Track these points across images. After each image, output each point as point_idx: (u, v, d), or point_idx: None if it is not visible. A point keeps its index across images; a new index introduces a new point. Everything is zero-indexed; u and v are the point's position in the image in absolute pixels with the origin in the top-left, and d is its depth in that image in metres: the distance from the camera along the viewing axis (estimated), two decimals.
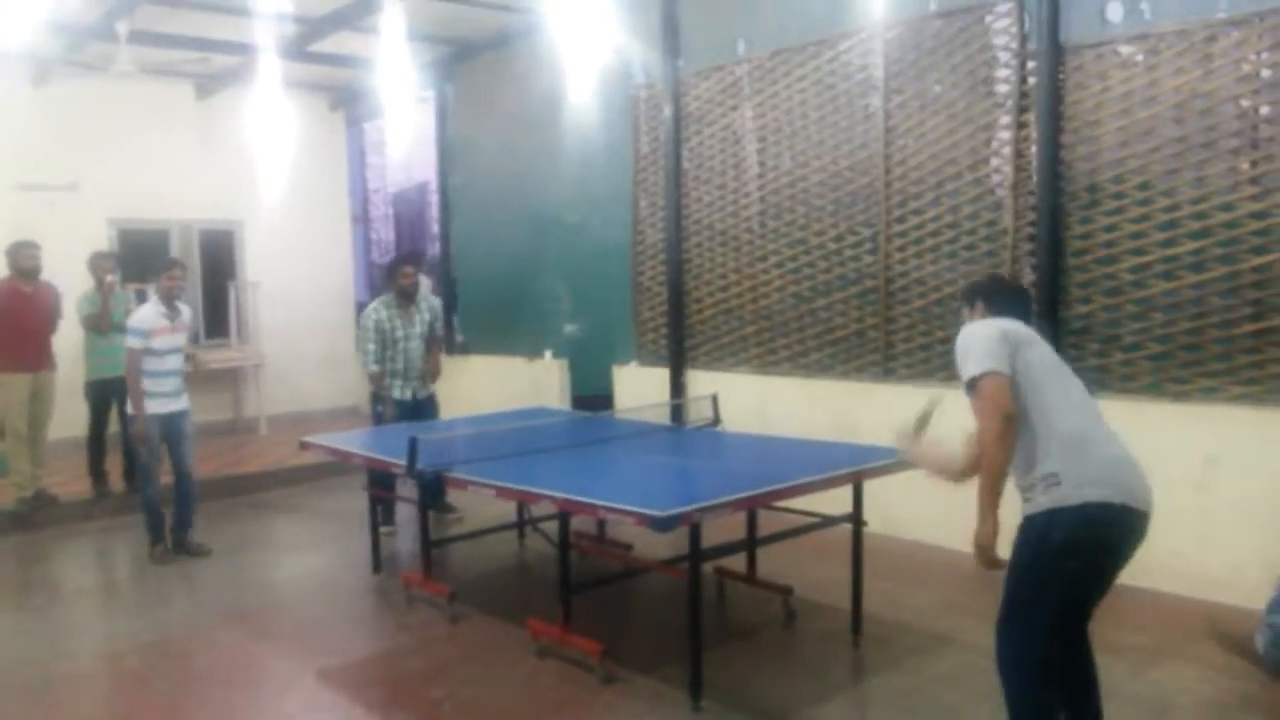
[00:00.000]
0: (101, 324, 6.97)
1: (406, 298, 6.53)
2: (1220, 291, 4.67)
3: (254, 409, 10.32)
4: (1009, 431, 2.75)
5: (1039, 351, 2.92)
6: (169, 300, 5.91)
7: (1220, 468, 4.65)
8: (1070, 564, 2.74)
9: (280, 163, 10.49)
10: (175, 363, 5.96)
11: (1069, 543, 2.72)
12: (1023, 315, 3.11)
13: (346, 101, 11.21)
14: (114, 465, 7.38)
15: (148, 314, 5.87)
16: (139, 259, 9.17)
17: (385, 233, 12.06)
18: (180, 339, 6.00)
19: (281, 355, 10.52)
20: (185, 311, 6.09)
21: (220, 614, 5.10)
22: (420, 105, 10.14)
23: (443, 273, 10.07)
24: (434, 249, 10.83)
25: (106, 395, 7.10)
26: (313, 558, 6.10)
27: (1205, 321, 4.73)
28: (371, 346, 6.41)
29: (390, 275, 6.69)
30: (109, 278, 7.05)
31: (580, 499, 3.76)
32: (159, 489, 5.99)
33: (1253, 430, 4.57)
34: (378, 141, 11.82)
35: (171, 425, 5.95)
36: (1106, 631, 3.77)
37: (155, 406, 5.85)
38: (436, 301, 7.05)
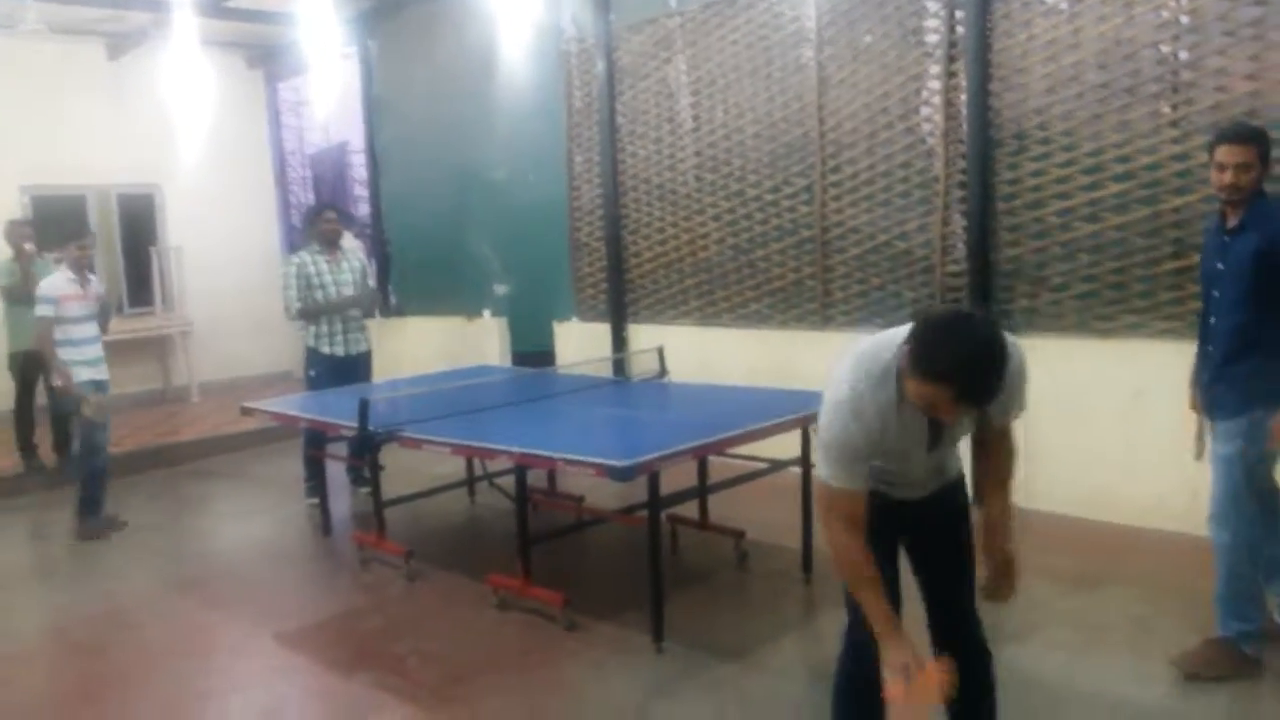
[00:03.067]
0: (20, 294, 6.72)
1: (330, 245, 6.30)
2: (1143, 232, 4.88)
3: (184, 377, 10.09)
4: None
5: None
6: (79, 269, 5.76)
7: (1146, 400, 4.89)
8: None
9: (198, 123, 10.17)
10: (92, 330, 5.80)
11: None
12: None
13: (265, 59, 10.87)
14: (43, 438, 7.16)
15: (56, 281, 5.72)
16: (55, 226, 8.80)
17: (304, 195, 11.77)
18: (92, 307, 5.82)
19: (209, 321, 10.26)
20: (95, 281, 5.93)
21: (168, 584, 5.04)
22: (342, 62, 9.89)
23: (375, 233, 9.90)
24: (360, 210, 10.63)
25: (32, 367, 6.87)
26: (259, 524, 6.04)
27: (1129, 261, 4.94)
28: (292, 292, 6.15)
29: (311, 222, 6.45)
30: (27, 246, 6.79)
31: (539, 452, 3.80)
32: (106, 459, 5.84)
33: (1176, 363, 4.79)
34: (293, 101, 11.46)
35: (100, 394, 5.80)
36: (1036, 556, 3.98)
37: (87, 374, 5.71)
38: (363, 254, 6.83)
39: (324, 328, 6.26)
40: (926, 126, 5.67)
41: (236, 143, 10.64)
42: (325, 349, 6.27)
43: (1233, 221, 3.33)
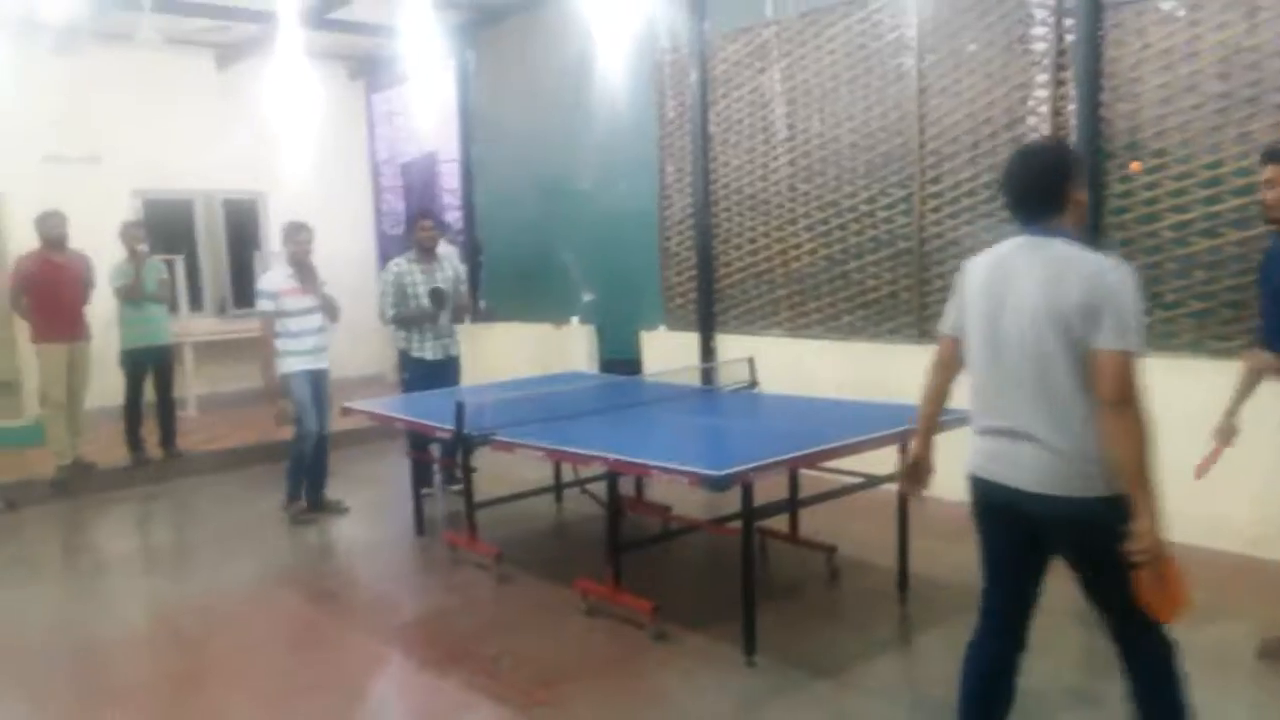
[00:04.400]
0: (134, 293, 7.02)
1: (426, 252, 6.44)
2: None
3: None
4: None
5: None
6: (298, 264, 6.01)
7: (1264, 421, 4.66)
8: None
9: (301, 132, 10.49)
10: (312, 322, 6.05)
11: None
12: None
13: (366, 70, 11.17)
14: (150, 433, 7.46)
15: (275, 276, 6.04)
16: (165, 229, 9.23)
17: (395, 203, 12.03)
18: (313, 300, 6.05)
19: None
20: (318, 274, 6.14)
21: (268, 578, 5.18)
22: (439, 73, 10.11)
23: (467, 240, 10.07)
24: (450, 218, 10.83)
25: (142, 363, 7.18)
26: (355, 522, 6.17)
27: (1248, 279, 4.72)
28: (388, 298, 6.35)
29: (409, 230, 6.67)
30: (140, 247, 7.09)
31: (632, 459, 3.80)
32: (308, 444, 6.09)
33: None
34: (386, 112, 11.74)
35: (315, 384, 6.06)
36: None
37: (300, 364, 5.98)
38: (458, 261, 6.92)
39: (415, 333, 6.40)
40: (1032, 137, 5.52)
41: (337, 152, 10.95)
42: (416, 353, 6.43)
43: None
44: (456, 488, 6.50)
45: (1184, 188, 4.89)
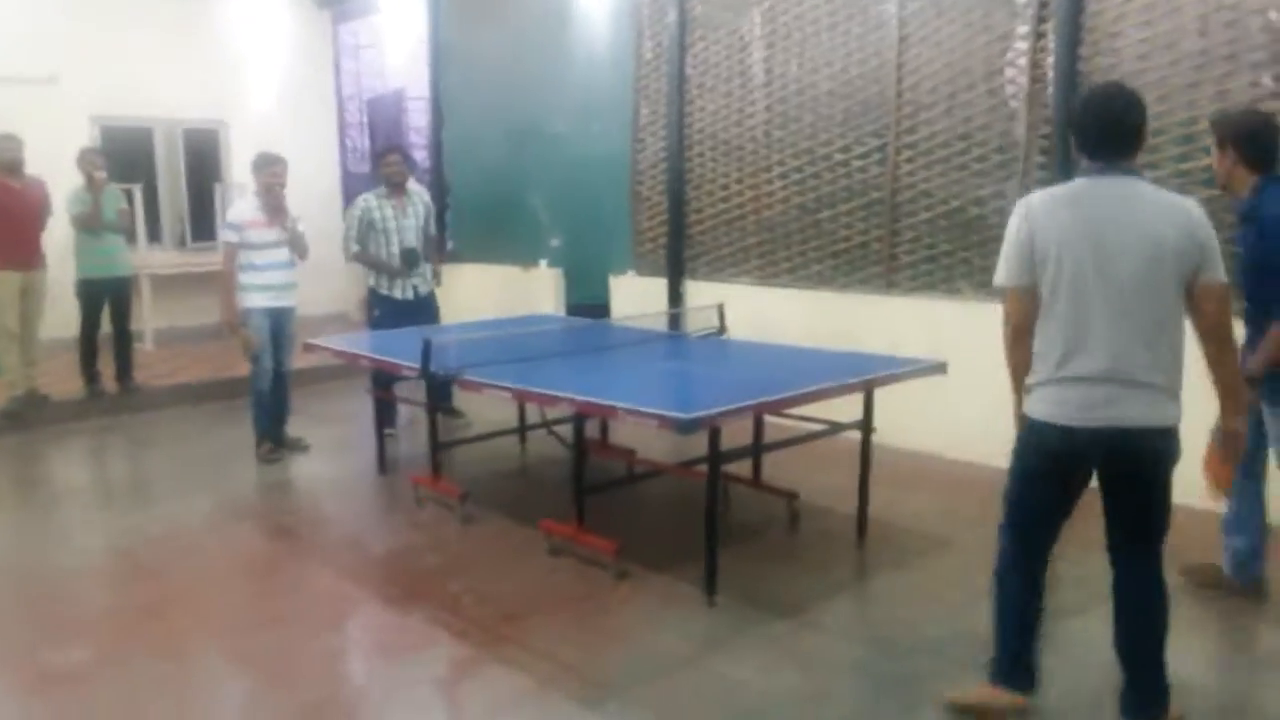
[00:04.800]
0: (92, 221, 6.83)
1: (395, 188, 6.31)
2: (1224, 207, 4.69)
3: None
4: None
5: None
6: (269, 197, 5.82)
7: None
8: None
9: (266, 62, 10.21)
10: (277, 256, 5.88)
11: None
12: None
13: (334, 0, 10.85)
14: (106, 365, 7.32)
15: (242, 208, 5.87)
16: (123, 158, 8.97)
17: (360, 140, 11.78)
18: (278, 233, 5.88)
19: None
20: (288, 209, 5.94)
21: (228, 513, 5.13)
22: (410, 5, 9.84)
23: (435, 179, 9.90)
24: (418, 156, 10.61)
25: (99, 294, 7.02)
26: (317, 460, 6.11)
27: (1220, 236, 4.75)
28: (352, 233, 6.26)
29: (376, 165, 6.53)
30: (98, 174, 6.88)
31: (600, 401, 3.78)
32: (265, 382, 5.97)
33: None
34: (352, 45, 11.44)
35: (276, 322, 5.94)
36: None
37: (262, 300, 5.83)
38: (428, 197, 6.75)
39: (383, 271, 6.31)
40: (1010, 89, 5.50)
41: (302, 83, 10.68)
42: (384, 290, 6.34)
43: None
44: (461, 420, 6.54)
45: (1157, 144, 4.89)
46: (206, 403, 7.60)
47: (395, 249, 6.29)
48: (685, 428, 3.40)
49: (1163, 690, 2.80)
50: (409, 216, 6.34)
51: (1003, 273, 2.75)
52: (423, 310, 6.42)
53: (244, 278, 5.82)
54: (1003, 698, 2.94)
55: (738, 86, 6.87)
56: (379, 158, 6.49)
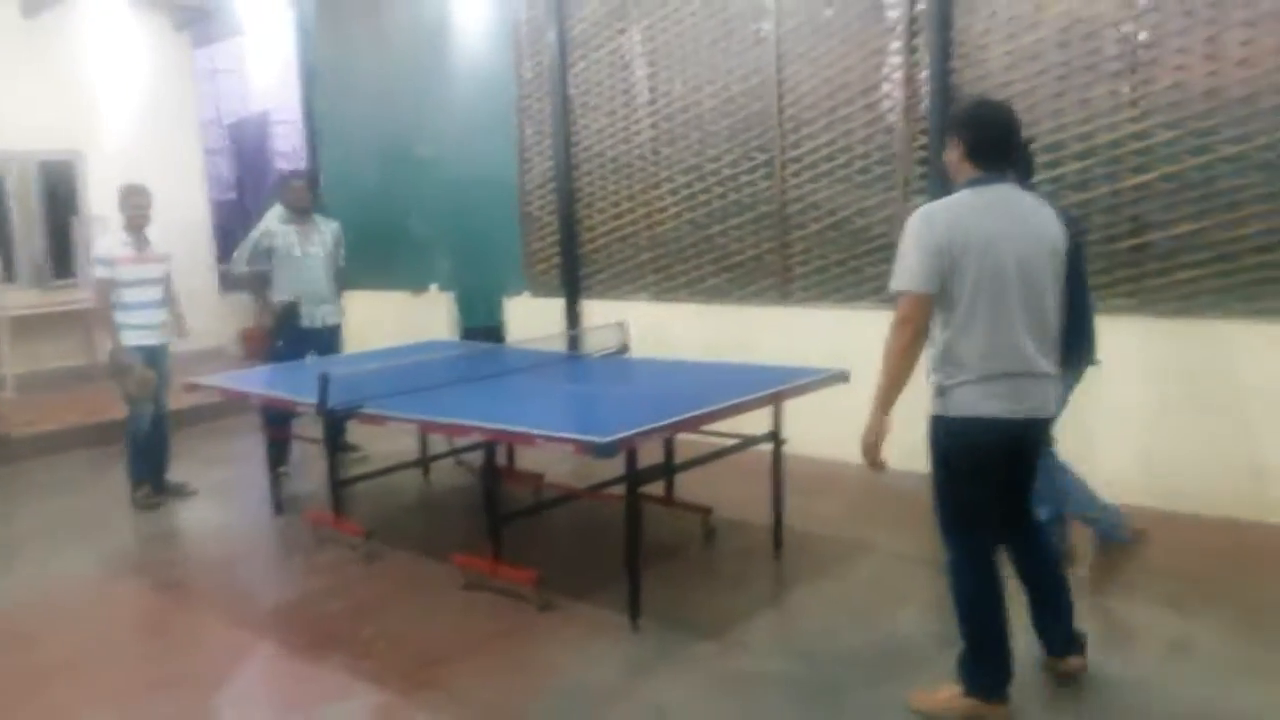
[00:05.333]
0: None
1: (300, 213, 6.11)
2: (1102, 209, 4.96)
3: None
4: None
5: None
6: (134, 230, 5.52)
7: (1098, 376, 4.98)
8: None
9: (123, 89, 9.70)
10: (149, 294, 5.58)
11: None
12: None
13: (192, 21, 10.38)
14: None
15: (110, 242, 5.55)
16: None
17: (223, 166, 11.33)
18: (153, 269, 5.60)
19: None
20: (154, 243, 5.65)
21: (110, 569, 4.80)
22: (275, 26, 9.51)
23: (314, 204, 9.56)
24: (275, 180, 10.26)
25: None
26: (207, 504, 5.79)
27: (1087, 238, 5.01)
28: (244, 254, 6.05)
29: (280, 189, 6.28)
30: None
31: (514, 429, 3.69)
32: (143, 424, 5.63)
33: (1129, 338, 4.91)
34: (210, 69, 11.00)
35: (151, 360, 5.60)
36: None
37: (135, 339, 5.51)
38: (337, 226, 6.48)
39: (287, 293, 6.09)
40: (887, 103, 5.67)
41: (162, 109, 10.17)
42: (302, 322, 6.14)
43: None
44: (357, 454, 6.29)
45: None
46: (77, 450, 7.12)
47: (300, 278, 6.07)
48: (604, 451, 3.35)
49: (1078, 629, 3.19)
50: (315, 245, 6.13)
51: (908, 278, 2.79)
52: (326, 340, 6.21)
53: (115, 316, 5.51)
54: (991, 710, 2.96)
55: (622, 105, 6.88)
56: (283, 183, 6.25)
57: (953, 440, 2.88)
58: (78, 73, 9.26)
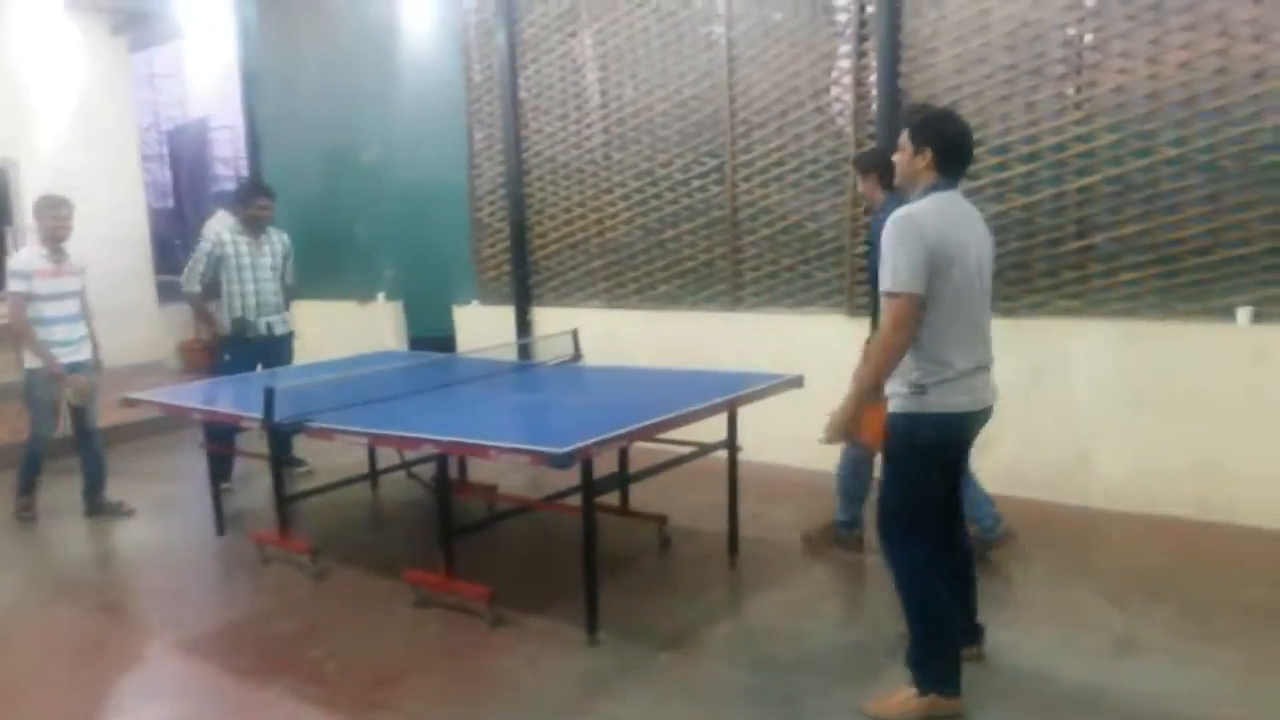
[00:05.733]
0: None
1: (256, 228, 6.00)
2: (1047, 212, 5.01)
3: None
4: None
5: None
6: (51, 242, 5.35)
7: (1046, 376, 5.04)
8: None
9: (57, 94, 9.39)
10: (66, 308, 5.44)
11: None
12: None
13: (129, 25, 10.10)
14: None
15: (27, 255, 5.40)
16: None
17: (160, 173, 11.08)
18: (70, 283, 5.45)
19: None
20: (73, 256, 5.51)
21: (47, 589, 4.62)
22: (213, 30, 9.29)
23: None
24: (222, 187, 10.06)
25: None
26: (145, 523, 5.60)
27: (1033, 241, 5.07)
28: (199, 269, 5.88)
29: (242, 202, 6.09)
30: None
31: (467, 440, 3.61)
32: (43, 447, 5.54)
33: (1075, 340, 4.97)
34: (147, 74, 10.74)
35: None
36: None
37: (58, 355, 5.38)
38: (287, 238, 6.33)
39: (238, 305, 5.94)
40: (837, 106, 5.69)
41: (97, 115, 9.86)
42: (248, 333, 6.00)
43: None
44: (303, 469, 6.16)
45: (975, 155, 5.15)
46: (3, 471, 6.84)
47: (250, 289, 5.95)
48: (560, 462, 3.28)
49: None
50: (265, 254, 6.01)
51: (906, 279, 2.80)
52: (276, 351, 6.07)
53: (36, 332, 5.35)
54: (947, 705, 3.01)
55: (573, 109, 6.82)
56: (249, 198, 6.07)
57: (927, 436, 2.93)
58: (10, 77, 8.95)
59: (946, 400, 2.90)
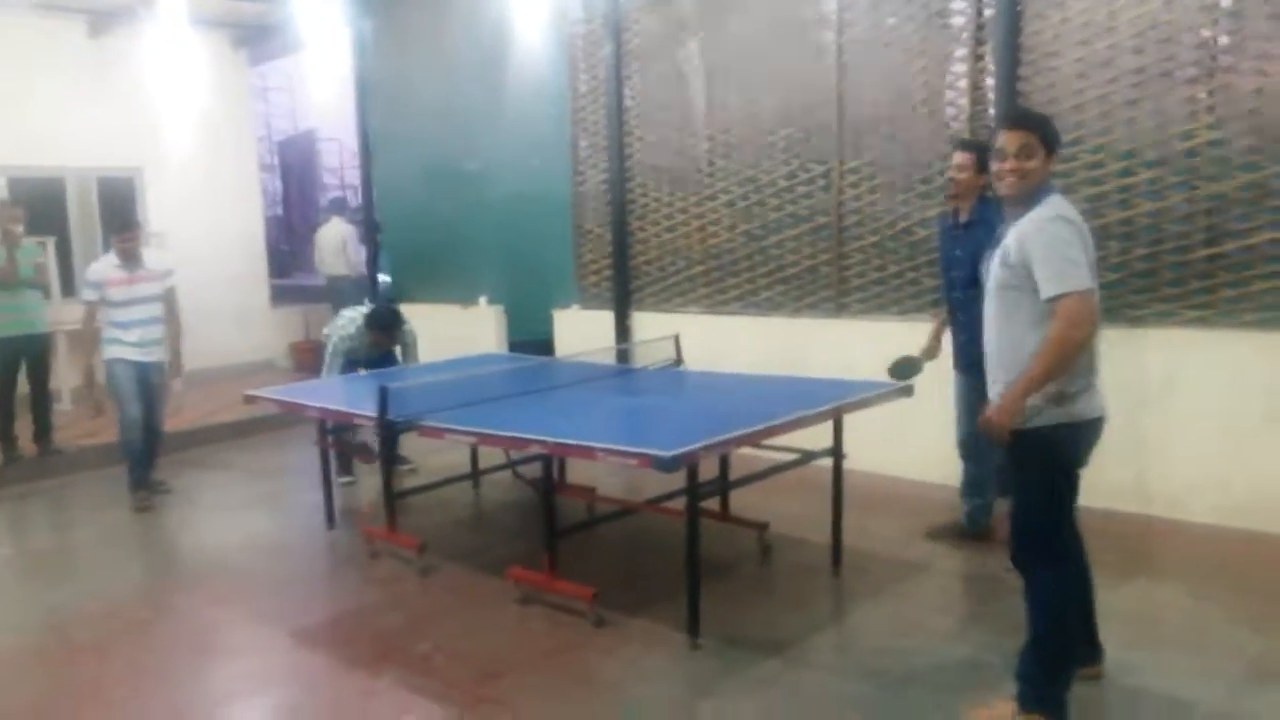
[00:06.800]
0: (7, 278, 6.44)
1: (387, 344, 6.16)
2: (1176, 219, 4.79)
3: None
4: None
5: None
6: (126, 257, 5.80)
7: (1175, 389, 4.81)
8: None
9: (182, 105, 9.87)
10: (141, 313, 5.83)
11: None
12: None
13: (250, 40, 10.56)
14: (24, 429, 6.89)
15: (102, 266, 5.85)
16: (34, 209, 8.50)
17: (271, 183, 11.51)
18: (143, 289, 5.84)
19: (189, 309, 9.91)
20: (150, 265, 5.92)
21: (170, 579, 4.83)
22: (328, 45, 9.63)
23: (365, 218, 9.67)
24: (336, 196, 10.37)
25: (15, 354, 6.63)
26: (258, 516, 5.81)
27: (1160, 248, 4.86)
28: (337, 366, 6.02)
29: (384, 330, 6.02)
30: (14, 228, 6.50)
31: (575, 442, 3.63)
32: (135, 433, 5.92)
33: (1205, 352, 4.74)
34: (260, 87, 11.17)
35: (143, 376, 5.88)
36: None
37: (125, 353, 5.80)
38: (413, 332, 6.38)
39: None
40: (951, 111, 5.56)
41: (220, 126, 10.33)
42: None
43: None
44: (408, 467, 6.28)
45: (1099, 160, 4.99)
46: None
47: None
48: (667, 465, 3.27)
49: None
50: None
51: (1078, 278, 2.75)
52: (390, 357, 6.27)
53: (108, 333, 5.82)
54: None
55: (678, 117, 6.83)
56: (385, 328, 6.01)
57: (1069, 446, 2.89)
58: (139, 91, 9.44)
59: (1087, 406, 2.87)
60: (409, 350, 6.35)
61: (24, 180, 8.92)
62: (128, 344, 5.79)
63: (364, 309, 6.15)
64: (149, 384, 5.94)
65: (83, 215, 9.50)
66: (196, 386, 9.46)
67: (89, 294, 5.81)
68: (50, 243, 8.56)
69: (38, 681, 3.79)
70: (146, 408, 5.94)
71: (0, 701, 3.59)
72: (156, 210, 9.91)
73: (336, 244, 9.97)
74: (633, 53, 7.05)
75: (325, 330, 6.28)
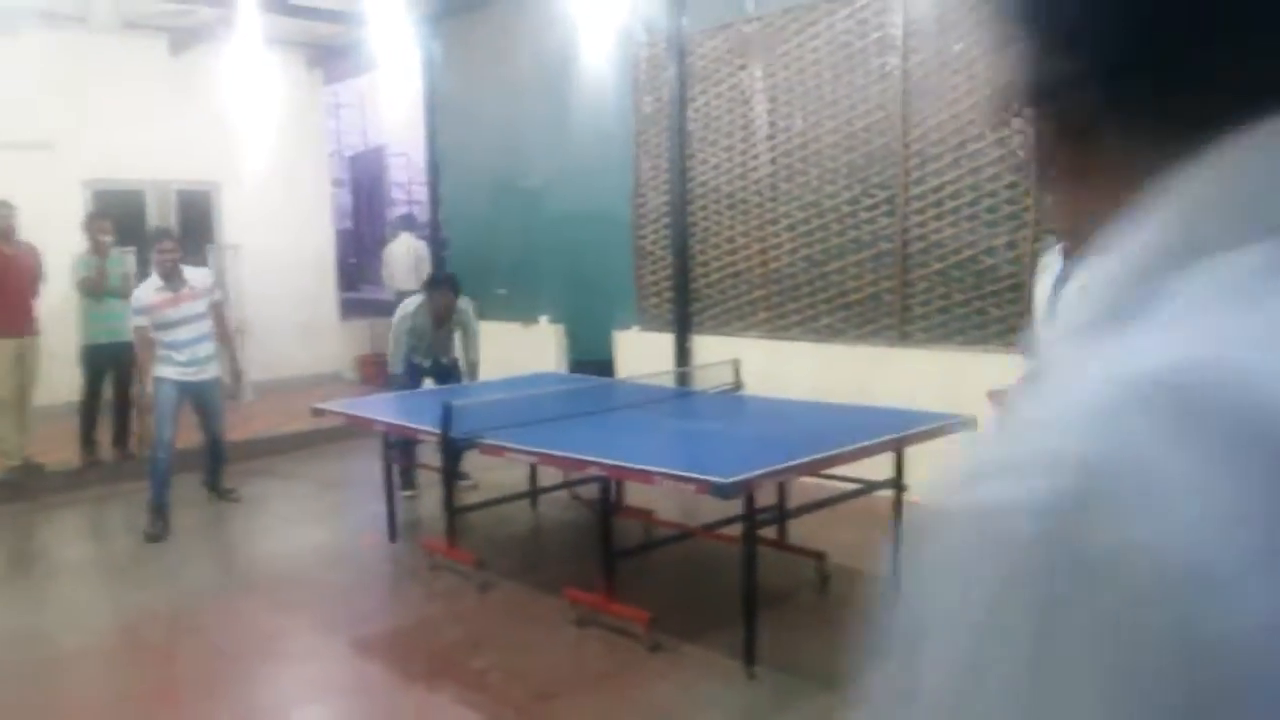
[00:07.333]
0: (97, 287, 6.71)
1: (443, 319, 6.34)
2: None
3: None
4: None
5: None
6: (166, 275, 5.75)
7: None
8: None
9: (258, 122, 10.18)
10: (189, 332, 5.81)
11: None
12: None
13: (325, 59, 10.86)
14: (105, 433, 7.14)
15: (143, 291, 5.79)
16: (116, 221, 8.83)
17: (342, 197, 11.78)
18: (189, 308, 5.80)
19: (260, 320, 10.24)
20: (194, 280, 5.90)
21: (235, 586, 4.96)
22: (399, 64, 9.85)
23: (432, 235, 9.86)
24: (402, 211, 10.57)
25: (102, 361, 6.87)
26: (322, 526, 5.96)
27: None
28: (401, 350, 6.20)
29: (439, 291, 6.26)
30: (105, 239, 6.79)
31: (634, 465, 3.66)
32: (163, 454, 5.84)
33: None
34: (332, 104, 11.47)
35: (196, 395, 5.91)
36: None
37: (173, 373, 5.79)
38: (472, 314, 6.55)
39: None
40: (1019, 138, 5.48)
41: (295, 143, 10.63)
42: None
43: None
44: (409, 493, 6.33)
45: None
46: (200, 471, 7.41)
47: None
48: (726, 492, 3.29)
49: None
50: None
51: None
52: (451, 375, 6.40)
53: (159, 352, 5.78)
54: None
55: (740, 140, 6.86)
56: (440, 289, 6.24)
57: None
58: (218, 107, 9.76)
59: None
60: (469, 331, 6.40)
61: (107, 193, 9.28)
62: (177, 364, 5.76)
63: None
64: (204, 400, 5.94)
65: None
66: (265, 397, 9.72)
67: (139, 320, 5.73)
68: (132, 253, 8.89)
69: (109, 682, 3.94)
70: (204, 423, 6.03)
71: (71, 701, 3.72)
72: (231, 224, 10.23)
73: (409, 260, 10.16)
74: (696, 75, 7.10)
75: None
